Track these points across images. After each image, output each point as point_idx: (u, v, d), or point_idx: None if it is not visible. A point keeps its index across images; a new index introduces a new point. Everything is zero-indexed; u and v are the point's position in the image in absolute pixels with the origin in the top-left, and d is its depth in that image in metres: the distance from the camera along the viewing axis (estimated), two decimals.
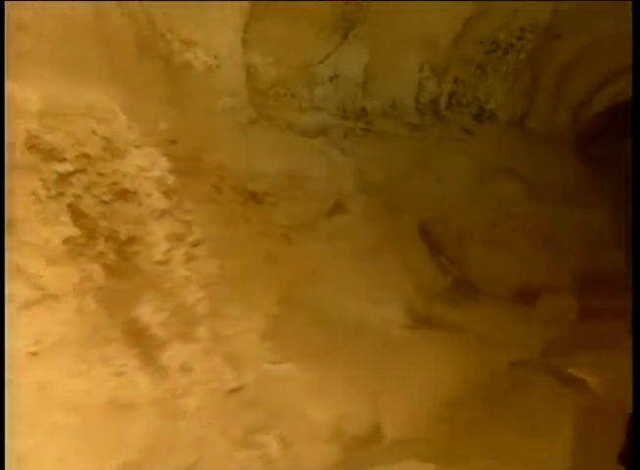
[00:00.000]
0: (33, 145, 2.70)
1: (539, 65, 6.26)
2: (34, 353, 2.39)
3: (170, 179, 3.33)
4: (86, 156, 2.89)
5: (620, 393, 4.49)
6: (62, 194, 2.74)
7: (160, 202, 3.21)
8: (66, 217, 2.70)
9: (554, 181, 5.86)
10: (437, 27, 5.26)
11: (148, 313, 2.82)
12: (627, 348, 4.40)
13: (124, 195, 3.07)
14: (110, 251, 2.90)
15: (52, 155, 2.76)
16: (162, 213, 3.20)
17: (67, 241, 2.66)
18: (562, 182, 5.95)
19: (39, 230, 2.59)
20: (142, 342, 2.76)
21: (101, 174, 2.98)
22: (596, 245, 5.86)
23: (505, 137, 5.90)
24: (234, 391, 2.91)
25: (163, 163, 3.34)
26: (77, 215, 2.75)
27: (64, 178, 2.77)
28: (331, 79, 5.05)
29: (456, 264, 4.92)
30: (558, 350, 4.69)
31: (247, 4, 3.88)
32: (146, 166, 3.24)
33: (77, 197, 2.79)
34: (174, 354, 2.76)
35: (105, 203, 2.97)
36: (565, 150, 6.54)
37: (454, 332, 4.12)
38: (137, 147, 3.25)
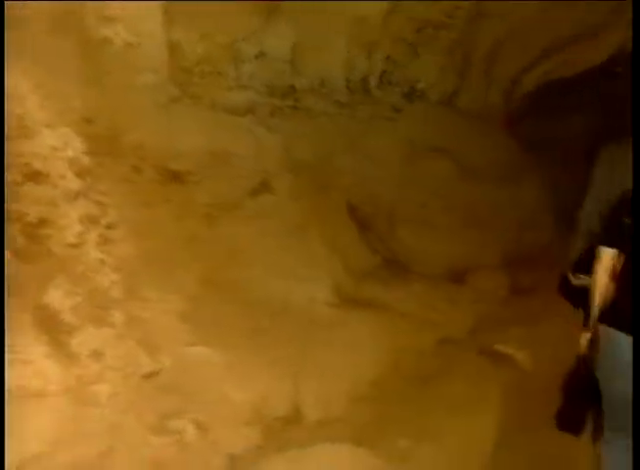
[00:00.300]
0: None
1: (470, 43, 6.26)
2: None
3: (85, 160, 3.22)
4: None
5: (549, 366, 4.60)
6: None
7: (73, 183, 3.09)
8: None
9: (485, 160, 5.91)
10: (367, 4, 5.19)
11: (58, 298, 2.73)
12: (555, 323, 4.49)
13: (36, 176, 2.95)
14: (20, 234, 2.79)
15: None
16: (76, 195, 3.09)
17: None
18: (493, 161, 6.00)
19: None
20: (52, 328, 2.67)
21: (11, 155, 2.85)
22: (526, 223, 5.95)
23: (436, 116, 5.92)
24: (149, 376, 2.86)
25: (78, 143, 3.23)
26: None
27: None
28: (257, 57, 4.98)
29: (385, 243, 4.93)
30: (487, 327, 4.75)
31: None
32: (59, 146, 3.11)
33: None
34: (85, 340, 2.68)
35: (15, 184, 2.85)
36: (496, 128, 6.59)
37: (382, 311, 4.13)
38: (49, 127, 3.12)
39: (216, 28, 4.51)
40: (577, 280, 2.61)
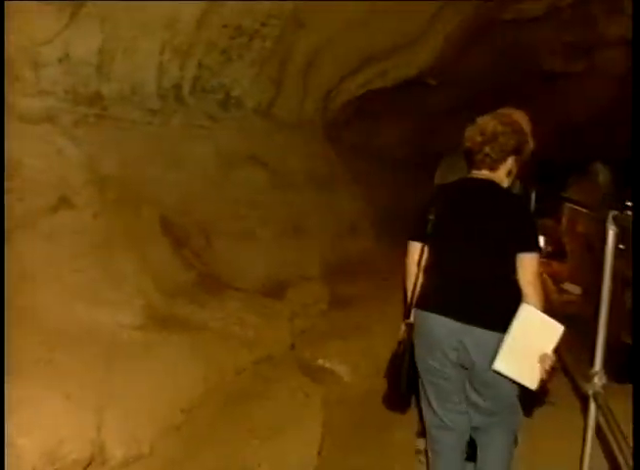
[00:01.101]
0: None
1: (286, 52, 6.23)
2: None
3: None
4: None
5: (369, 377, 4.63)
6: None
7: None
8: None
9: (302, 169, 5.89)
10: (179, 8, 4.99)
11: None
12: (375, 333, 4.50)
13: None
14: None
15: None
16: None
17: None
18: (310, 170, 6.00)
19: None
20: None
21: None
22: (345, 232, 5.99)
23: (251, 124, 5.81)
24: None
25: None
26: None
27: None
28: (60, 61, 4.62)
29: (201, 258, 4.75)
30: (308, 342, 4.71)
31: None
32: None
33: None
34: None
35: None
36: (313, 137, 6.61)
37: (196, 331, 3.97)
38: None
39: (13, 29, 4.12)
40: None
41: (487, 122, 2.70)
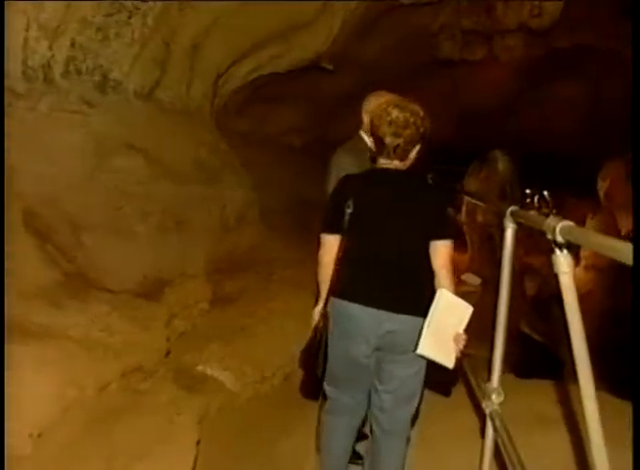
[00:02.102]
0: None
1: (170, 32, 5.86)
2: None
3: None
4: None
5: (253, 384, 4.35)
6: None
7: None
8: None
9: (186, 158, 5.54)
10: None
11: None
12: (262, 333, 4.19)
13: None
14: None
15: None
16: None
17: None
18: (194, 158, 5.65)
19: None
20: None
21: None
22: (231, 225, 5.69)
23: (131, 110, 5.43)
24: None
25: None
26: None
27: None
28: None
29: (67, 255, 4.35)
30: (186, 347, 4.41)
31: None
32: None
33: None
34: None
35: None
36: (201, 124, 6.27)
37: (52, 340, 3.55)
38: None
39: None
40: None
41: (395, 112, 2.68)
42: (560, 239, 1.82)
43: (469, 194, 5.49)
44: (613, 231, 12.44)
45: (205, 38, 6.26)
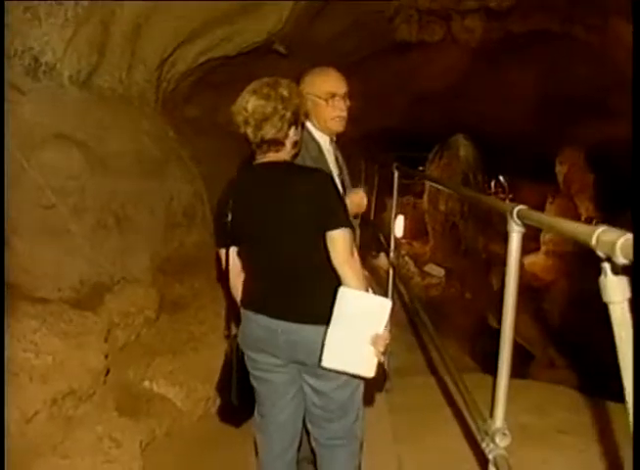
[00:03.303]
0: None
1: (108, 11, 5.31)
2: None
3: None
4: None
5: (204, 401, 3.91)
6: None
7: None
8: None
9: (126, 149, 5.01)
10: None
11: None
12: (213, 343, 3.75)
13: None
14: None
15: None
16: None
17: None
18: (137, 149, 5.14)
19: None
20: None
21: None
22: (179, 221, 5.20)
23: (66, 97, 4.89)
24: None
25: None
26: None
27: None
28: None
29: None
30: (130, 359, 3.95)
31: None
32: None
33: None
34: None
35: None
36: (143, 112, 5.75)
37: None
38: None
39: None
40: None
41: (251, 102, 2.39)
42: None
43: (434, 180, 5.10)
44: (573, 216, 12.30)
45: (147, 19, 5.72)
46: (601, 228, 1.30)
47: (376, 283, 5.95)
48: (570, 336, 7.99)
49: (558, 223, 1.63)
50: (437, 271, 8.80)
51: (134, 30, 5.66)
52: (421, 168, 10.84)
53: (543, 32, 9.78)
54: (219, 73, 7.72)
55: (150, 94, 6.16)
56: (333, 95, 2.99)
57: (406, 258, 9.00)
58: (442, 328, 7.01)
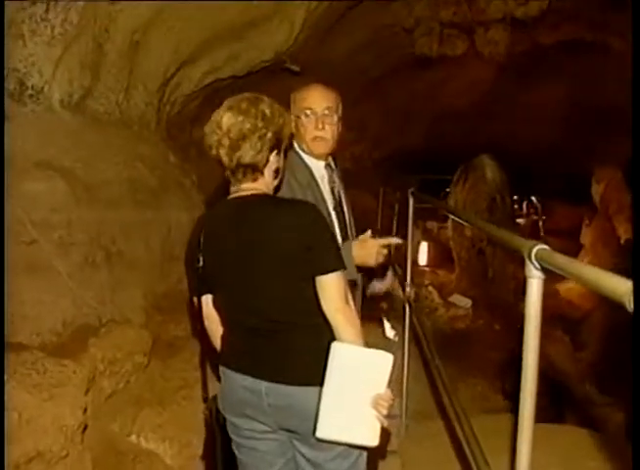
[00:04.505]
0: None
1: (101, 27, 5.07)
2: None
3: None
4: None
5: (197, 458, 3.55)
6: None
7: None
8: None
9: (119, 177, 4.72)
10: None
11: None
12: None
13: None
14: None
15: None
16: None
17: None
18: (131, 178, 4.84)
19: None
20: None
21: None
22: (177, 255, 4.87)
23: (55, 122, 4.61)
24: None
25: None
26: None
27: None
28: None
29: None
30: (116, 411, 3.62)
31: None
32: None
33: None
34: None
35: None
36: (142, 137, 5.46)
37: None
38: None
39: None
40: None
41: (226, 118, 2.10)
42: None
43: (449, 211, 4.74)
44: (612, 238, 11.81)
45: (144, 35, 5.45)
46: None
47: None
48: (610, 370, 7.53)
49: (590, 273, 1.26)
50: (464, 302, 8.37)
51: (130, 48, 5.38)
52: (447, 190, 10.48)
53: (574, 43, 9.41)
54: (229, 94, 7.48)
55: (150, 117, 5.88)
56: (310, 112, 2.69)
57: (430, 288, 8.60)
58: (470, 364, 6.61)
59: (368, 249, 2.65)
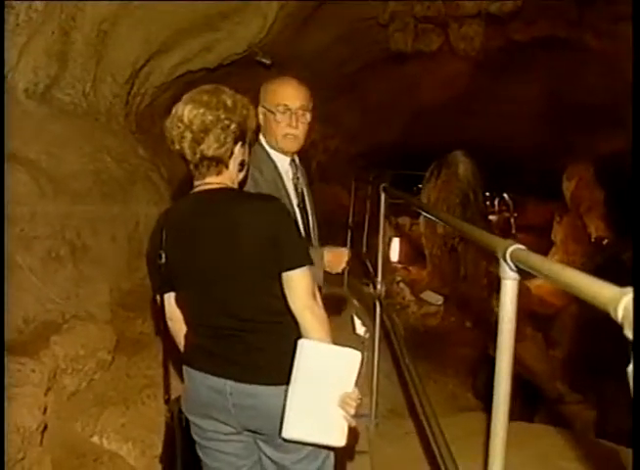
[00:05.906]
0: None
1: (69, 17, 4.95)
2: None
3: None
4: None
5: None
6: None
7: None
8: None
9: (85, 170, 4.61)
10: None
11: None
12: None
13: None
14: None
15: None
16: None
17: None
18: (97, 170, 4.74)
19: None
20: None
21: None
22: (137, 251, 4.78)
23: (19, 112, 4.49)
24: None
25: None
26: None
27: None
28: None
29: None
30: (78, 410, 3.54)
31: None
32: None
33: None
34: None
35: None
36: (109, 129, 5.35)
37: None
38: None
39: None
40: None
41: (187, 111, 2.04)
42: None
43: (422, 207, 4.70)
44: (582, 235, 11.93)
45: (113, 25, 5.34)
46: (630, 294, 0.93)
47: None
48: (582, 368, 7.57)
49: (569, 277, 1.19)
50: (435, 299, 8.36)
51: (99, 37, 5.26)
52: (420, 186, 10.47)
53: (549, 39, 9.41)
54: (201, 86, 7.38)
55: (119, 109, 5.77)
56: (283, 108, 2.64)
57: (401, 285, 8.58)
58: (441, 362, 6.60)
59: (340, 256, 2.67)
